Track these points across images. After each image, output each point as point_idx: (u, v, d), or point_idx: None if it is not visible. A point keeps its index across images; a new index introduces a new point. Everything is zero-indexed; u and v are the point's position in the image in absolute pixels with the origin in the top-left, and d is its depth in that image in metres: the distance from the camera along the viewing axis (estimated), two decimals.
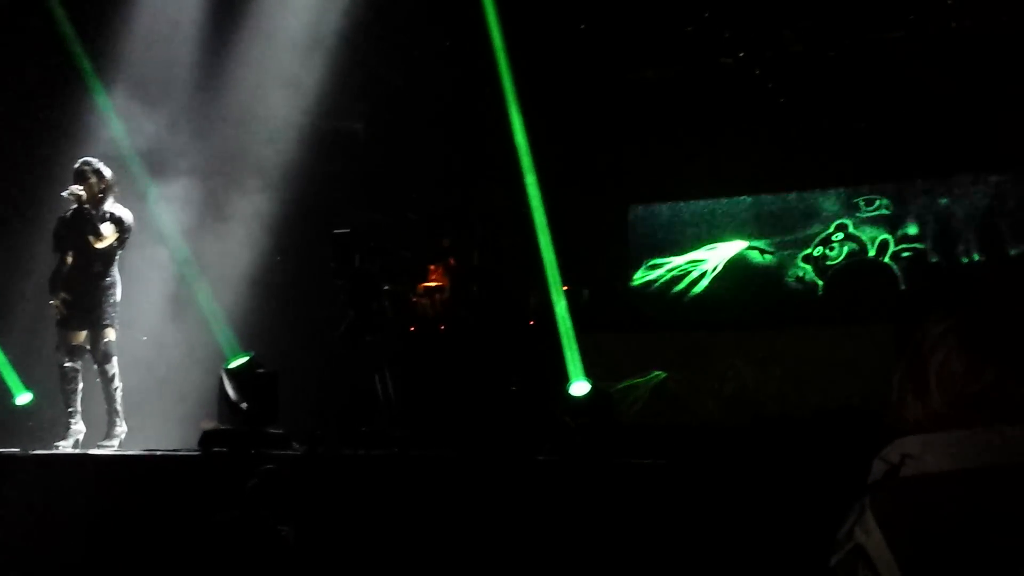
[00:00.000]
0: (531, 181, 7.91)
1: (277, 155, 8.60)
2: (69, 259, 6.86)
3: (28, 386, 7.45)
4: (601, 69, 9.48)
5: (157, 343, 7.97)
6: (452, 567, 5.04)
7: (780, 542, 4.36)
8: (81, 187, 6.75)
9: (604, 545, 4.82)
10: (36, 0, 7.86)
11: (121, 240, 6.90)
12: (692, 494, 4.92)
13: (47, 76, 8.21)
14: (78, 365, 6.89)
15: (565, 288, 9.44)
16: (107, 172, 6.90)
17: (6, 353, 7.45)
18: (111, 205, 6.86)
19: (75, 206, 6.83)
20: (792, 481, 4.78)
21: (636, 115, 9.47)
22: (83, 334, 6.89)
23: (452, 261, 9.09)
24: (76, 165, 6.87)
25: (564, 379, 7.33)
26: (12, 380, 7.38)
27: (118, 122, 7.92)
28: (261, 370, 6.79)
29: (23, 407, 7.44)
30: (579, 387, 6.92)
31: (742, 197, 9.70)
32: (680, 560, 4.69)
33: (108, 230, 6.79)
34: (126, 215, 6.93)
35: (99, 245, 6.79)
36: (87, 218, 6.74)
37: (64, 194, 6.75)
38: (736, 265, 9.64)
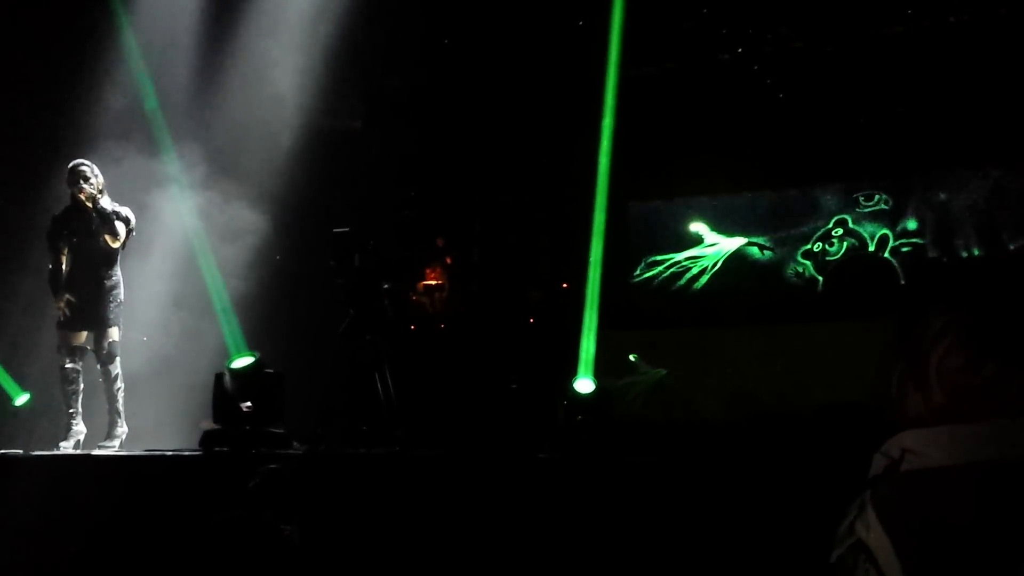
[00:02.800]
0: (602, 184, 7.88)
1: (275, 155, 8.59)
2: (66, 259, 6.84)
3: (24, 386, 7.45)
4: (599, 65, 9.47)
5: (158, 343, 7.96)
6: (454, 565, 5.04)
7: (781, 538, 4.36)
8: (85, 196, 6.73)
9: (605, 543, 4.82)
10: None
11: (127, 239, 6.93)
12: (693, 491, 4.92)
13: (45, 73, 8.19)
14: (79, 366, 6.89)
15: (564, 286, 9.45)
16: (99, 172, 6.90)
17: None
18: (110, 203, 6.86)
19: (69, 205, 6.81)
20: (793, 477, 4.78)
21: (634, 112, 9.46)
22: (84, 335, 6.88)
23: (448, 259, 9.09)
24: (74, 166, 6.83)
25: (567, 375, 7.33)
26: (7, 382, 7.37)
27: (150, 88, 7.87)
28: (269, 371, 6.79)
29: (23, 408, 7.43)
30: (584, 384, 6.92)
31: (741, 193, 9.70)
32: (681, 557, 4.69)
33: (121, 229, 6.81)
34: (130, 213, 6.94)
35: (115, 244, 6.79)
36: (103, 217, 6.73)
37: (83, 197, 6.70)
38: (736, 261, 9.64)
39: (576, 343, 8.96)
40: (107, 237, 6.75)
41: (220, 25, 8.54)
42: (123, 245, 6.93)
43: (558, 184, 9.53)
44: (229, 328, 7.63)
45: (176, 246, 8.09)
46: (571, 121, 9.61)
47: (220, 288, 7.89)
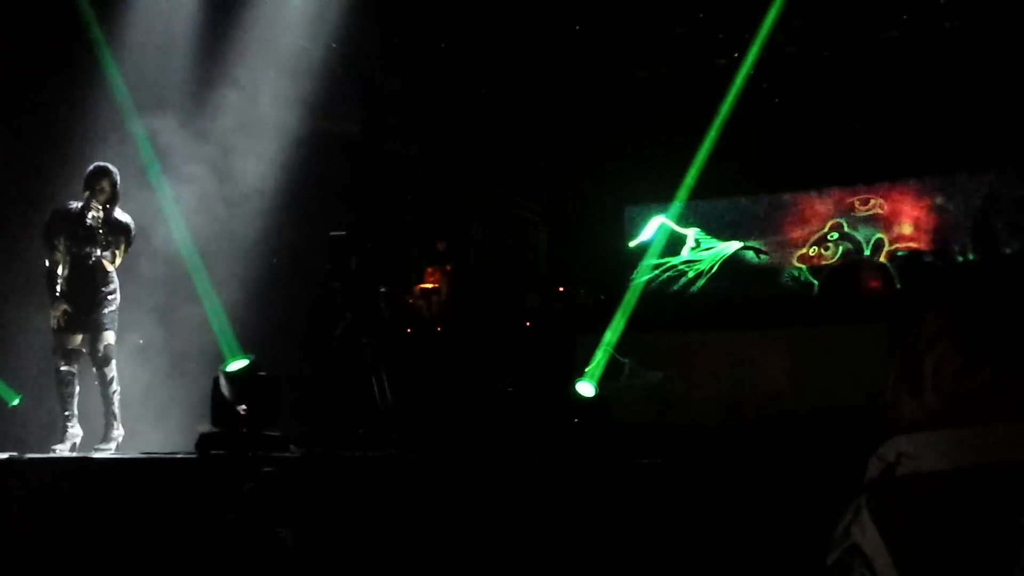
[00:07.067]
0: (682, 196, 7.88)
1: (273, 158, 8.59)
2: (63, 259, 6.81)
3: (19, 390, 7.43)
4: (596, 70, 9.49)
5: (153, 346, 7.95)
6: (450, 569, 5.04)
7: (777, 541, 4.36)
8: (100, 204, 6.71)
9: (602, 547, 4.82)
10: None
11: (127, 248, 6.93)
12: (689, 495, 4.92)
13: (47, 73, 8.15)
14: (75, 369, 6.87)
15: (560, 289, 9.45)
16: (119, 178, 6.89)
17: None
18: (117, 212, 6.86)
19: (81, 205, 6.77)
20: (789, 480, 4.79)
21: (631, 116, 9.48)
22: (80, 338, 6.86)
23: (448, 265, 9.09)
24: (97, 170, 6.80)
25: (564, 378, 7.34)
26: (0, 387, 7.36)
27: (133, 114, 7.82)
28: (263, 374, 6.79)
29: (16, 409, 7.42)
30: (585, 388, 6.92)
31: (737, 197, 9.72)
32: (678, 561, 4.69)
33: (120, 251, 6.82)
34: (131, 223, 6.93)
35: (111, 268, 6.79)
36: (104, 242, 6.73)
37: (89, 219, 6.68)
38: (731, 265, 9.65)
39: (572, 346, 8.98)
40: (104, 262, 6.76)
41: (217, 27, 8.53)
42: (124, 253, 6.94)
43: (556, 187, 9.54)
44: (224, 331, 7.61)
45: (172, 249, 8.07)
46: (568, 124, 9.63)
47: (215, 291, 7.88)
